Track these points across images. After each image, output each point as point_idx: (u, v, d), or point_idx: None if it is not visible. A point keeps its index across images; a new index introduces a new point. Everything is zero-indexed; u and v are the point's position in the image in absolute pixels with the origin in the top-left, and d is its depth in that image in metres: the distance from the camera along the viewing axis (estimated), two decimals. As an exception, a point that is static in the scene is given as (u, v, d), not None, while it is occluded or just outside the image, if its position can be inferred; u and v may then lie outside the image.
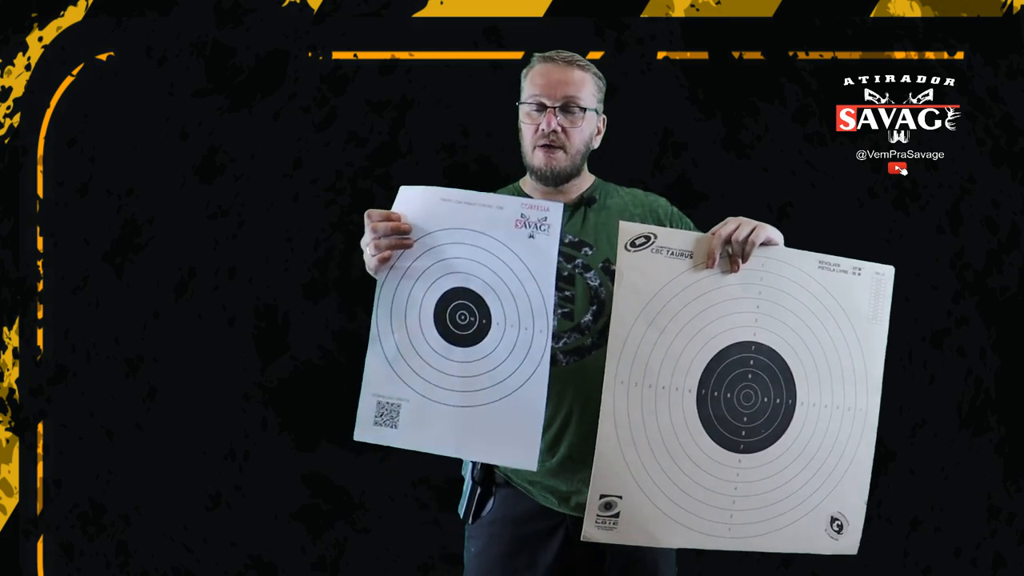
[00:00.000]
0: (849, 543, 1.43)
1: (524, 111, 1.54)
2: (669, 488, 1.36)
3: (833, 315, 1.40)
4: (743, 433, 1.38)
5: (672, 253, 1.36)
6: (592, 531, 1.35)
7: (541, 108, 1.51)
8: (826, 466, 1.41)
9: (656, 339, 1.35)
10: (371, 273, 1.41)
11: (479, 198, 1.36)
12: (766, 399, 1.38)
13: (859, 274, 1.41)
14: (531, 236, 1.34)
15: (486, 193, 1.38)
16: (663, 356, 1.35)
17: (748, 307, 1.37)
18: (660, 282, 1.35)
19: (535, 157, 1.53)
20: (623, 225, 1.36)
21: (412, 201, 1.38)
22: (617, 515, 1.35)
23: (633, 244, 1.35)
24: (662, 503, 1.36)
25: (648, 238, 1.35)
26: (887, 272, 1.42)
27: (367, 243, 1.38)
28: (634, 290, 1.34)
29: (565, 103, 1.50)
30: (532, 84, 1.53)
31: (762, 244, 1.36)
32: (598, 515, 1.35)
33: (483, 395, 1.35)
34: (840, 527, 1.42)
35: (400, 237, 1.36)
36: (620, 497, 1.35)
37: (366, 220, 1.38)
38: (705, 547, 1.39)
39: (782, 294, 1.38)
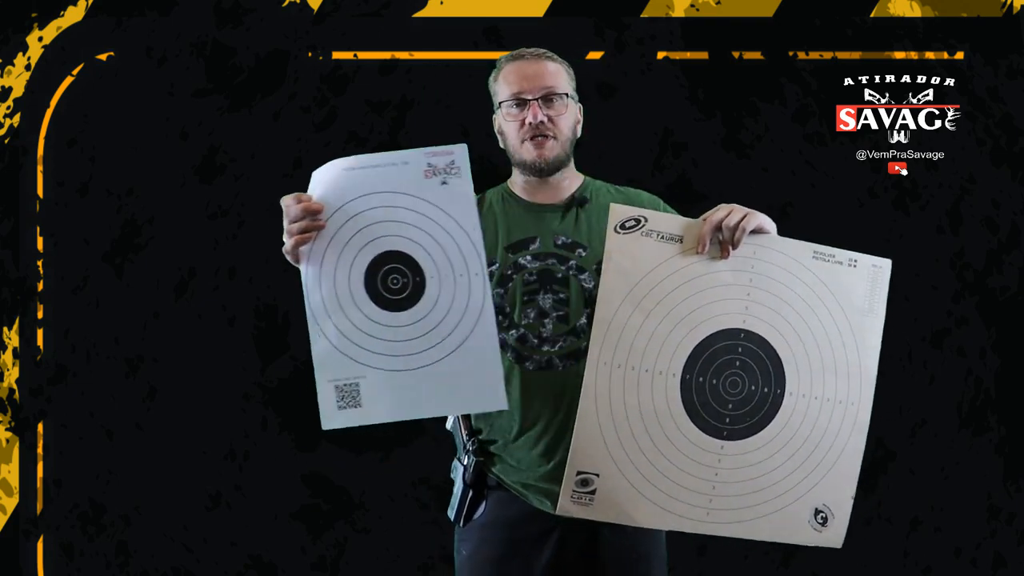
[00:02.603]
0: (833, 536, 1.41)
1: (505, 110, 1.53)
2: (647, 469, 1.35)
3: (827, 306, 1.39)
4: (727, 420, 1.37)
5: (662, 237, 1.35)
6: (567, 505, 1.35)
7: (522, 103, 1.50)
8: (812, 458, 1.39)
9: (642, 322, 1.34)
10: (290, 260, 1.39)
11: (381, 158, 1.34)
12: (753, 387, 1.37)
13: (855, 266, 1.40)
14: (444, 183, 1.32)
15: (386, 152, 1.35)
16: (648, 339, 1.34)
17: (738, 294, 1.36)
18: (648, 265, 1.34)
19: (524, 151, 1.51)
20: (613, 207, 1.35)
21: (320, 180, 1.35)
22: (593, 492, 1.35)
23: (623, 226, 1.34)
24: (639, 484, 1.35)
25: (638, 221, 1.35)
26: (884, 265, 1.41)
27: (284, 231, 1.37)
28: (621, 272, 1.34)
29: (546, 93, 1.50)
30: (507, 83, 1.52)
31: (754, 232, 1.35)
32: (574, 491, 1.35)
33: (435, 351, 1.34)
34: (824, 519, 1.41)
35: (312, 218, 1.34)
36: (597, 475, 1.34)
37: (282, 206, 1.36)
38: (682, 529, 1.38)
39: (774, 282, 1.37)
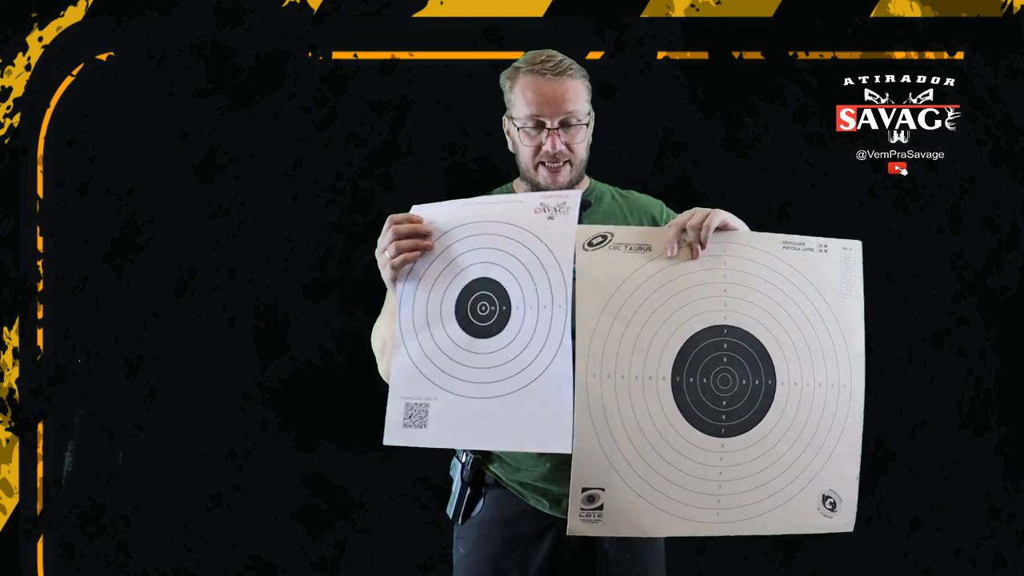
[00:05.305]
0: (844, 521, 1.40)
1: (521, 128, 1.49)
2: (651, 477, 1.34)
3: (804, 292, 1.38)
4: (723, 417, 1.36)
5: (630, 248, 1.35)
6: (577, 525, 1.34)
7: (539, 126, 1.47)
8: (813, 444, 1.39)
9: (623, 331, 1.34)
10: (387, 280, 1.38)
11: (499, 197, 1.39)
12: (744, 381, 1.37)
13: (825, 251, 1.40)
14: (550, 218, 1.34)
15: (504, 195, 1.40)
16: (632, 346, 1.34)
17: (715, 292, 1.36)
18: (621, 276, 1.34)
19: (539, 175, 1.50)
20: (577, 228, 1.35)
21: (429, 208, 1.38)
22: (600, 507, 1.34)
23: (590, 244, 1.34)
24: (646, 492, 1.34)
25: (604, 237, 1.35)
26: (855, 246, 1.41)
27: (385, 246, 1.35)
28: (595, 285, 1.33)
29: (565, 119, 1.47)
30: (524, 101, 1.47)
31: (721, 229, 1.35)
32: (581, 508, 1.34)
33: (510, 383, 1.34)
34: (833, 504, 1.40)
35: (421, 239, 1.35)
36: (602, 489, 1.34)
37: (387, 224, 1.35)
38: (696, 534, 1.36)
39: (749, 276, 1.37)
